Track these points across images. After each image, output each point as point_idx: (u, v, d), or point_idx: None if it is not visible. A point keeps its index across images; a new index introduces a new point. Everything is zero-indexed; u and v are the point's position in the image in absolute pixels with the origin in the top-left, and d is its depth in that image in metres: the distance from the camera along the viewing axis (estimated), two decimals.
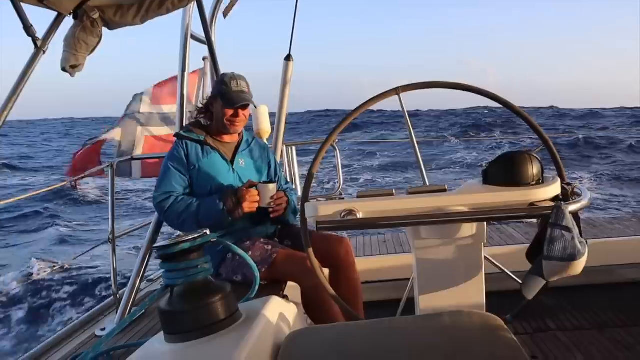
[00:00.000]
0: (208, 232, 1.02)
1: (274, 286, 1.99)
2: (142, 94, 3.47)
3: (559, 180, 1.34)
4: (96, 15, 1.86)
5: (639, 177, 13.41)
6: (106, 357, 1.89)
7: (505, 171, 1.29)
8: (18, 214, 10.61)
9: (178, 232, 2.00)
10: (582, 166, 15.48)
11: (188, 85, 2.59)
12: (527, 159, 1.28)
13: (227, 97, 2.10)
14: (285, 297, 1.96)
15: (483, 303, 1.43)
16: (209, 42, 2.83)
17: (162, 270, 1.00)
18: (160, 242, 0.98)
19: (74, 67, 1.89)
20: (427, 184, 1.54)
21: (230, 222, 2.06)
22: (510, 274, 1.53)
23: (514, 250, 2.89)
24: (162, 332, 0.99)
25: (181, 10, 2.25)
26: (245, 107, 2.15)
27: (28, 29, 1.69)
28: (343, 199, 1.59)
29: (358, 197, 1.32)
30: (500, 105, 1.47)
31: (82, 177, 3.36)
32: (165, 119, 3.50)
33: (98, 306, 2.57)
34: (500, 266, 1.55)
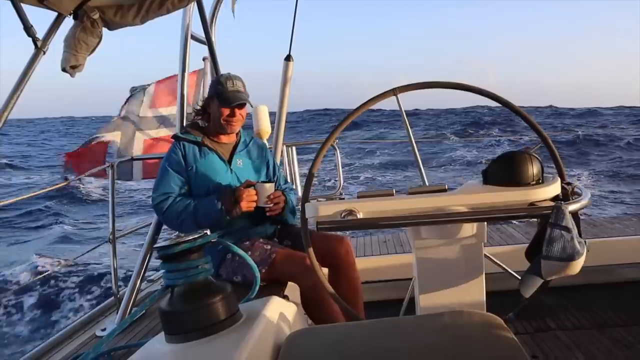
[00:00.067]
0: (208, 232, 1.02)
1: (274, 286, 1.99)
2: (142, 92, 3.46)
3: (559, 179, 1.34)
4: (96, 16, 1.86)
5: (635, 174, 13.56)
6: (107, 358, 1.89)
7: (505, 171, 1.29)
8: (22, 211, 10.67)
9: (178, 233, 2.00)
10: (580, 163, 15.59)
11: (188, 86, 2.59)
12: (527, 159, 1.28)
13: (223, 96, 2.11)
14: (285, 297, 1.96)
15: (483, 303, 1.43)
16: (209, 43, 2.83)
17: (163, 271, 1.00)
18: (160, 243, 0.98)
19: (74, 67, 1.90)
20: (427, 183, 1.54)
21: (229, 222, 2.06)
22: (511, 271, 1.53)
23: (514, 250, 2.90)
24: (162, 333, 0.99)
25: (181, 10, 2.25)
26: (241, 106, 2.15)
27: (28, 29, 1.69)
28: (343, 199, 1.59)
29: (358, 197, 1.32)
30: (499, 105, 1.47)
31: (83, 176, 3.36)
32: (164, 121, 3.50)
33: (98, 306, 2.57)
34: (500, 264, 1.55)
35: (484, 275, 1.43)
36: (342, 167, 3.54)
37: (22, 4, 1.61)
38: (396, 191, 1.34)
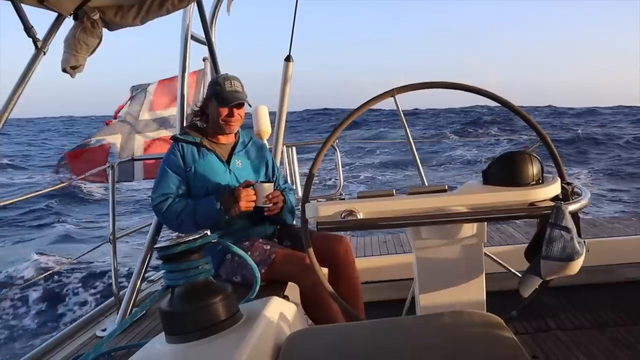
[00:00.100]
0: (209, 232, 1.02)
1: (274, 287, 1.99)
2: (144, 92, 3.46)
3: (559, 180, 1.34)
4: (96, 16, 1.87)
5: (633, 172, 13.68)
6: (107, 358, 1.89)
7: (505, 171, 1.29)
8: (24, 210, 10.69)
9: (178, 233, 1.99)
10: (579, 161, 15.69)
11: (188, 86, 2.59)
12: (527, 159, 1.28)
13: (221, 96, 2.12)
14: (286, 297, 1.96)
15: (483, 303, 1.43)
16: (209, 43, 2.83)
17: (163, 271, 1.01)
18: (161, 243, 0.98)
19: (74, 67, 1.90)
20: (426, 183, 1.54)
21: (228, 222, 2.07)
22: (511, 269, 1.53)
23: (514, 250, 2.90)
24: (163, 333, 0.99)
25: (181, 11, 2.26)
26: (240, 106, 2.16)
27: (29, 30, 1.69)
28: (343, 199, 1.59)
29: (358, 197, 1.32)
30: (499, 104, 1.47)
31: (83, 178, 3.36)
32: (164, 122, 3.50)
33: (99, 307, 2.58)
34: (501, 262, 1.55)
35: (484, 276, 1.43)
36: (343, 167, 3.54)
37: (22, 4, 1.62)
38: (396, 191, 1.34)
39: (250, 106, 2.22)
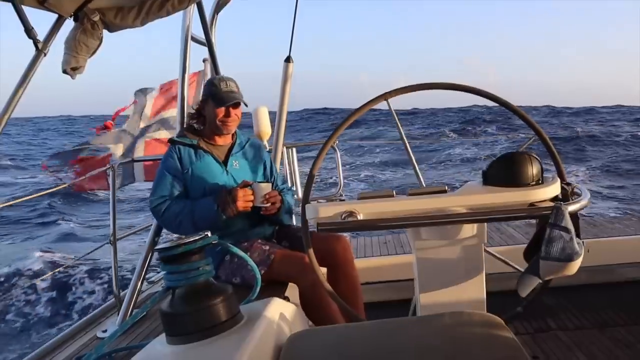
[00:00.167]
0: (209, 234, 1.03)
1: (275, 288, 1.99)
2: (144, 97, 3.46)
3: (559, 180, 1.34)
4: (97, 18, 1.87)
5: (630, 169, 13.82)
6: (108, 359, 1.90)
7: (505, 171, 1.29)
8: (26, 209, 10.71)
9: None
10: (577, 159, 15.83)
11: (188, 87, 2.60)
12: (526, 159, 1.28)
13: (217, 97, 2.13)
14: (286, 298, 1.96)
15: (484, 303, 1.43)
16: (209, 44, 2.84)
17: (164, 272, 1.01)
18: (162, 244, 0.98)
19: (74, 69, 1.90)
20: (423, 183, 1.56)
21: (226, 223, 2.07)
22: (513, 265, 1.53)
23: (514, 250, 2.90)
24: (163, 334, 0.99)
25: (181, 12, 2.26)
26: (236, 106, 2.17)
27: (29, 31, 1.69)
28: (344, 200, 1.59)
29: (359, 198, 1.33)
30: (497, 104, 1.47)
31: (81, 185, 3.36)
32: (164, 123, 3.50)
33: (99, 308, 2.58)
34: (503, 258, 1.55)
35: (484, 276, 1.43)
36: (343, 166, 3.55)
37: (22, 5, 1.62)
38: (396, 192, 1.34)
39: (246, 106, 2.23)
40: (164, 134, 3.44)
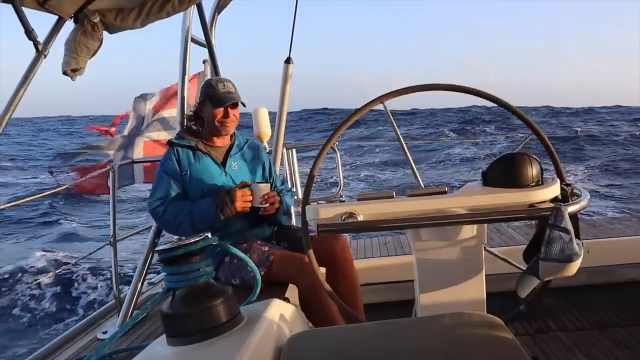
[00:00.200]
0: (209, 235, 1.03)
1: (275, 289, 1.99)
2: (144, 102, 3.47)
3: (559, 181, 1.34)
4: (97, 19, 1.87)
5: (629, 168, 13.93)
6: None
7: (504, 172, 1.29)
8: (30, 210, 10.72)
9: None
10: (575, 158, 15.92)
11: (188, 88, 2.60)
12: (526, 161, 1.28)
13: (215, 98, 2.13)
14: (286, 299, 1.96)
15: (484, 304, 1.43)
16: (209, 45, 2.84)
17: (164, 274, 1.01)
18: (162, 246, 0.99)
19: (74, 70, 1.90)
20: (422, 184, 1.56)
21: (225, 223, 2.08)
22: (514, 263, 1.53)
23: (515, 251, 2.89)
24: (164, 336, 0.99)
25: (181, 13, 2.26)
26: (234, 106, 2.17)
27: (29, 33, 1.69)
28: (344, 201, 1.60)
29: (359, 199, 1.33)
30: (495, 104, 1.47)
31: (82, 187, 3.37)
32: (164, 123, 3.51)
33: (99, 309, 2.58)
34: (504, 257, 1.55)
35: (484, 277, 1.43)
36: (343, 166, 3.56)
37: (23, 7, 1.62)
38: (396, 193, 1.34)
39: (244, 106, 2.23)
40: (164, 135, 3.44)
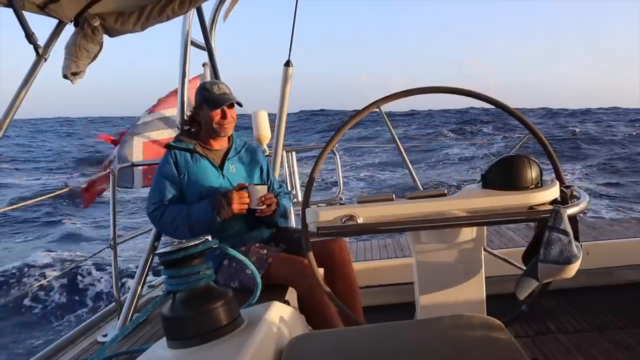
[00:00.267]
0: (209, 238, 1.03)
1: (275, 291, 1.99)
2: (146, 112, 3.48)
3: (558, 183, 1.35)
4: (97, 23, 1.88)
5: (625, 167, 14.07)
6: None
7: (504, 175, 1.30)
8: (33, 211, 10.76)
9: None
10: (572, 157, 16.03)
11: (188, 91, 2.61)
12: (525, 163, 1.29)
13: (211, 100, 2.14)
14: (286, 302, 1.97)
15: (483, 306, 1.44)
16: (208, 48, 2.85)
17: (164, 277, 1.01)
18: (162, 249, 0.99)
19: (75, 74, 1.91)
20: (420, 185, 1.57)
21: (223, 226, 2.08)
22: (514, 263, 1.53)
23: (514, 253, 2.89)
24: (164, 338, 0.99)
25: (181, 17, 2.27)
26: (231, 107, 2.18)
27: (30, 36, 1.70)
28: (343, 204, 1.60)
29: (358, 202, 1.33)
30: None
31: (86, 190, 3.38)
32: (166, 121, 3.50)
33: (100, 312, 2.58)
34: (505, 257, 1.55)
35: (483, 279, 1.44)
36: (343, 166, 3.56)
37: (23, 11, 1.63)
38: (396, 195, 1.35)
39: (241, 106, 2.24)
40: (167, 134, 3.43)
